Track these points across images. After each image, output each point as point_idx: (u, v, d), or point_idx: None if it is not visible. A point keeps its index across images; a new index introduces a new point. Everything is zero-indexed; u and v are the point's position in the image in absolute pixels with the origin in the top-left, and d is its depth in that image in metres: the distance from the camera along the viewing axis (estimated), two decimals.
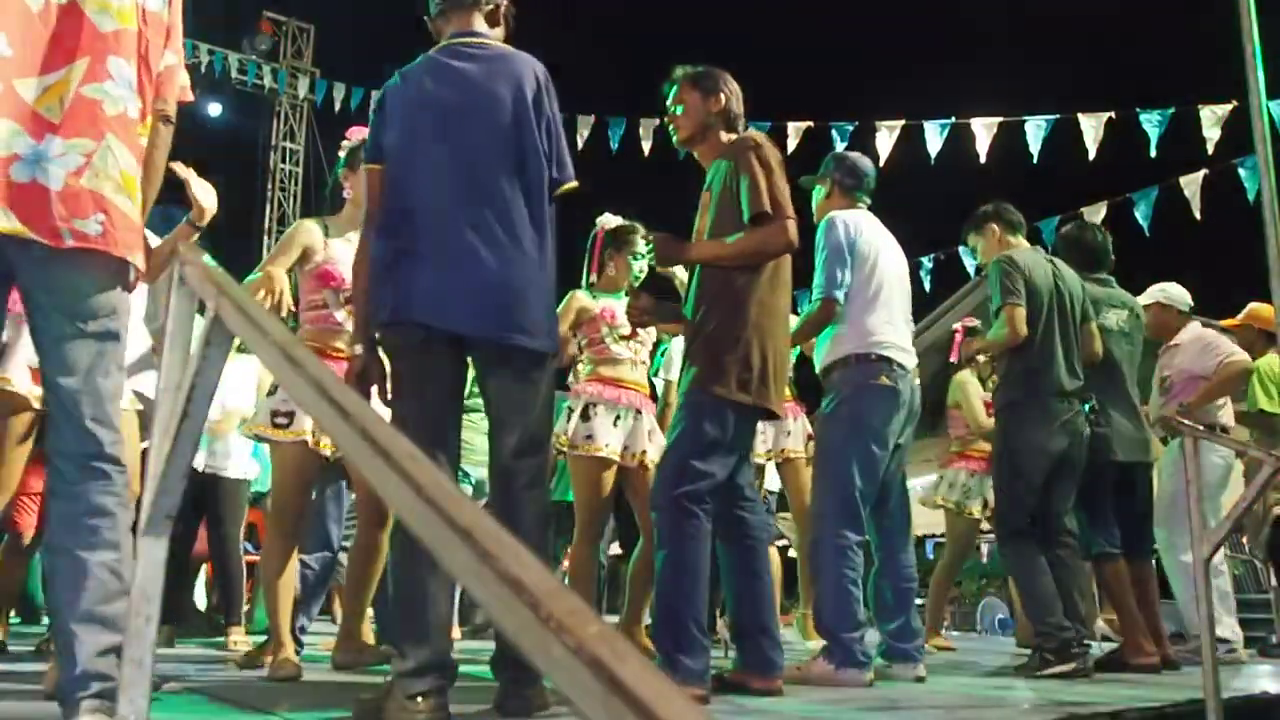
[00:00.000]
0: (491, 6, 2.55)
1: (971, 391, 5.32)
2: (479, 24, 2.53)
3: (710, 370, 2.69)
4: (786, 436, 4.54)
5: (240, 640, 4.34)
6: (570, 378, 4.09)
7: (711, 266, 2.79)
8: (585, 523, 3.71)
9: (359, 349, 2.39)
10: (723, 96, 2.95)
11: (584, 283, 3.96)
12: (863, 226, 3.44)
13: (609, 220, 3.98)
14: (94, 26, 1.82)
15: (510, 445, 2.32)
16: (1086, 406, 3.92)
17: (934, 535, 11.48)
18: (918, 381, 3.52)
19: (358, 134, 3.37)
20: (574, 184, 2.48)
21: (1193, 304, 4.82)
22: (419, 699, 2.06)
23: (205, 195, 2.45)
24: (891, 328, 3.38)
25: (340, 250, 3.18)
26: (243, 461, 4.60)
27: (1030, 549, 3.77)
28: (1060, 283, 3.91)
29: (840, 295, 3.32)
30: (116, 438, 1.81)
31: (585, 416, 3.66)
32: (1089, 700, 2.79)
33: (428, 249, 2.30)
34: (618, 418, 3.69)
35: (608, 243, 3.93)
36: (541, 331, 2.35)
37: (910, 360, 3.43)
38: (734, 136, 2.95)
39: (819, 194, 3.69)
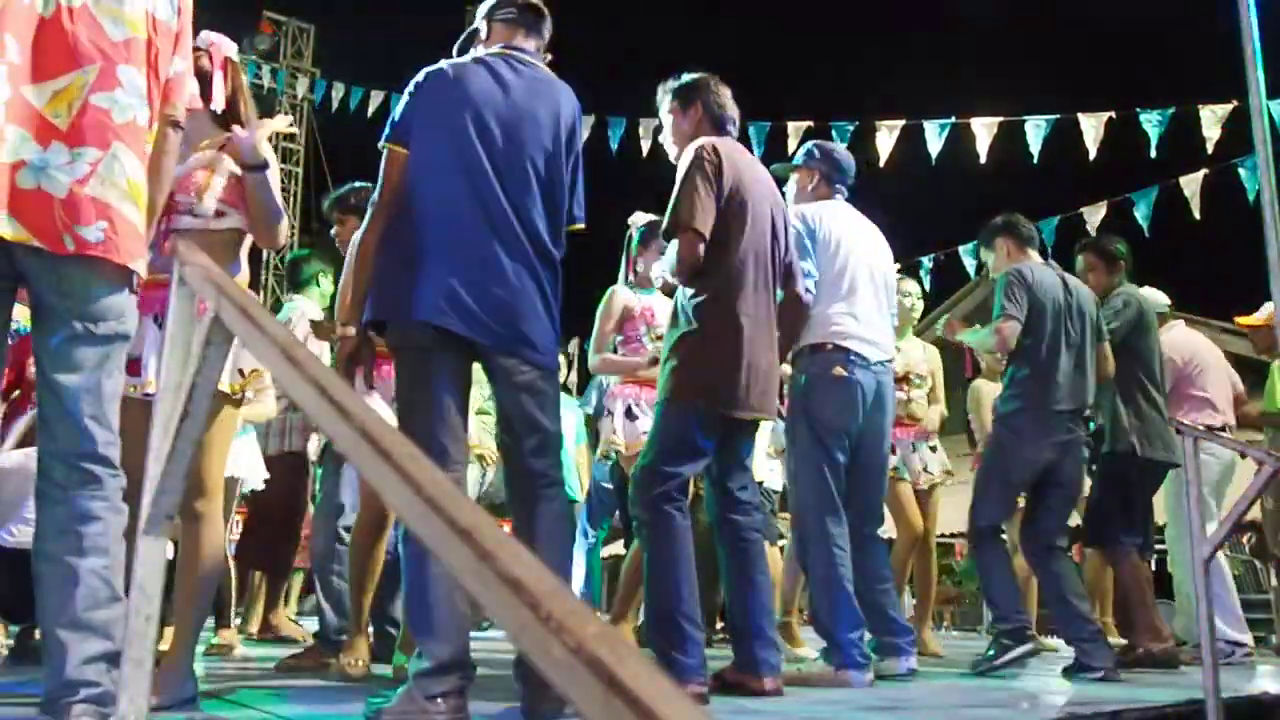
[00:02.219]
0: (548, 37, 2.60)
1: (985, 400, 5.26)
2: (530, 44, 2.58)
3: (684, 380, 2.73)
4: None
5: (223, 643, 4.26)
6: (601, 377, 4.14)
7: (695, 277, 2.80)
8: None
9: (350, 330, 2.38)
10: (700, 105, 2.97)
11: (623, 281, 3.99)
12: (823, 217, 3.41)
13: (639, 218, 4.00)
14: (105, 34, 1.81)
15: (529, 447, 2.35)
16: (1093, 426, 3.90)
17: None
18: (889, 375, 3.47)
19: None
20: (581, 225, 2.57)
21: (1170, 303, 4.83)
22: (439, 700, 2.06)
23: (261, 135, 2.50)
24: (853, 319, 3.34)
25: None
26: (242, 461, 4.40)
27: (999, 549, 3.80)
28: (1070, 299, 3.86)
29: (810, 284, 3.27)
30: (111, 439, 1.80)
31: (631, 416, 3.71)
32: (1089, 700, 2.79)
33: (454, 252, 2.29)
34: (628, 410, 3.74)
35: (639, 240, 3.97)
36: (551, 351, 2.41)
37: (877, 352, 3.38)
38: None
39: (796, 184, 3.65)
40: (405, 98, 2.43)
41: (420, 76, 2.45)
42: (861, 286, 3.40)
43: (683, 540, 2.67)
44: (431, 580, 2.12)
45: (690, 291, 2.82)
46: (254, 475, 4.62)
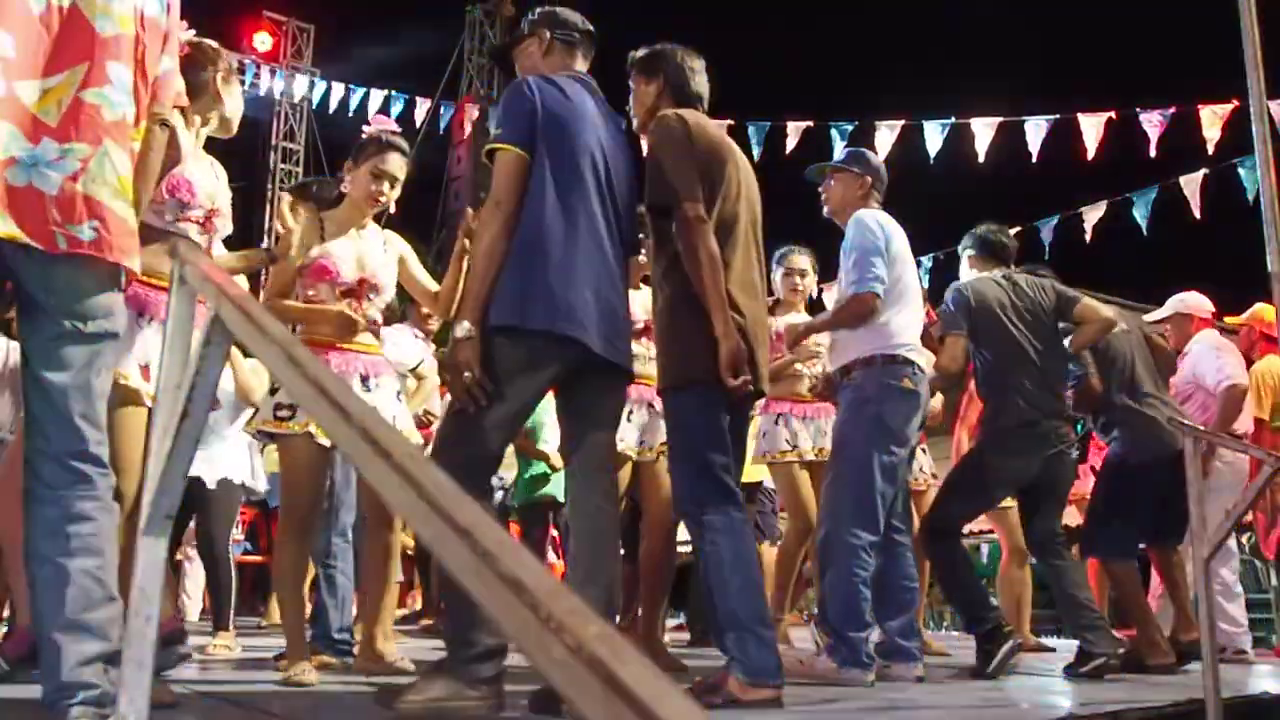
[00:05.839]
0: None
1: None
2: (583, 67, 2.63)
3: (692, 359, 2.55)
4: (823, 437, 4.43)
5: (221, 645, 4.26)
6: None
7: (663, 243, 2.65)
8: None
9: (469, 330, 2.30)
10: (663, 76, 2.82)
11: None
12: (894, 229, 3.44)
13: None
14: (95, 31, 1.80)
15: (605, 443, 2.50)
16: (1080, 427, 3.89)
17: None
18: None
19: (380, 123, 3.27)
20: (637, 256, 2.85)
21: (1211, 313, 4.81)
22: (481, 686, 2.09)
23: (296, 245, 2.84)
24: (911, 331, 3.38)
25: (338, 245, 3.05)
26: (235, 461, 4.39)
27: (958, 549, 3.80)
28: (1022, 297, 3.85)
29: (880, 289, 3.27)
30: (102, 438, 1.79)
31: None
32: (1089, 700, 2.79)
33: (584, 265, 2.35)
34: (630, 413, 3.58)
35: None
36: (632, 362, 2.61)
37: (924, 361, 3.43)
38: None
39: (843, 187, 3.60)
40: (519, 99, 2.41)
41: (531, 82, 2.45)
42: (914, 299, 3.45)
43: (746, 536, 2.58)
44: None
45: (666, 263, 2.65)
46: (257, 480, 4.61)
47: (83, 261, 1.75)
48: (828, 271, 4.47)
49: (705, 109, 2.87)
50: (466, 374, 2.28)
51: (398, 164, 3.12)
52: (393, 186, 3.12)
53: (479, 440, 2.31)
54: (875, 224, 3.38)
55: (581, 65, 2.65)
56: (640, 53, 2.91)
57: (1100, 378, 4.08)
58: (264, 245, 2.85)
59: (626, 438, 3.54)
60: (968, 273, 4.08)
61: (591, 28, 2.68)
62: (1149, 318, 4.83)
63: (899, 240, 3.44)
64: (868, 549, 3.19)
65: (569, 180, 2.38)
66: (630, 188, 2.61)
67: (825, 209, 3.65)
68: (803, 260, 4.49)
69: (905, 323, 3.36)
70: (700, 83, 2.86)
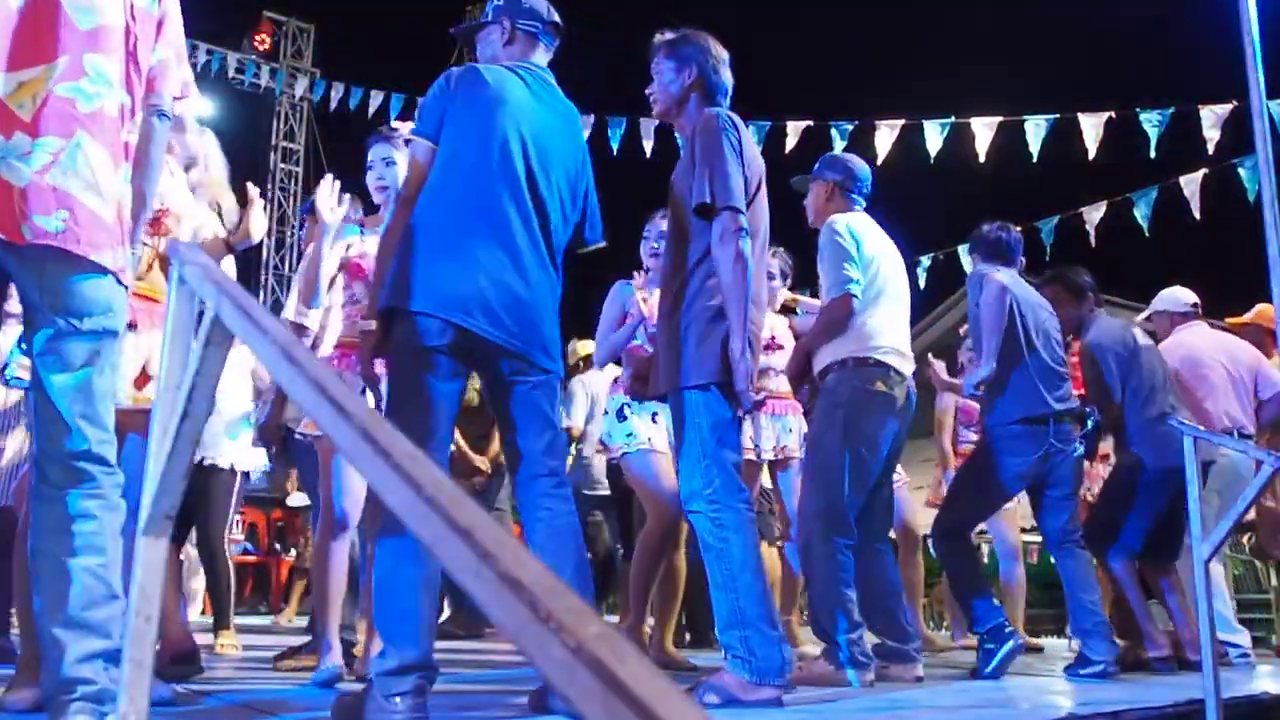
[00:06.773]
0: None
1: (946, 421, 5.59)
2: (545, 61, 2.61)
3: (711, 360, 2.54)
4: (789, 435, 4.45)
5: (227, 644, 4.24)
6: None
7: (686, 241, 2.65)
8: (657, 518, 3.68)
9: (371, 324, 2.35)
10: (696, 67, 2.76)
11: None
12: (864, 229, 3.42)
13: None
14: (73, 24, 1.78)
15: (542, 447, 2.39)
16: (1091, 423, 3.92)
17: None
18: (914, 386, 3.50)
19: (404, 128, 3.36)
20: (603, 244, 2.68)
21: (1191, 304, 4.80)
22: (398, 698, 2.05)
23: (258, 226, 2.79)
24: (891, 332, 3.35)
25: (374, 246, 3.04)
26: (238, 450, 4.30)
27: (967, 549, 3.84)
28: (1037, 295, 3.89)
29: (857, 290, 3.27)
30: (105, 437, 1.78)
31: (622, 417, 3.74)
32: (1089, 700, 2.79)
33: (482, 249, 2.31)
34: (654, 414, 3.73)
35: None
36: (558, 356, 2.47)
37: (908, 366, 3.40)
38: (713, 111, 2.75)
39: (814, 196, 3.64)
40: (435, 92, 2.43)
41: (453, 72, 2.45)
42: (894, 300, 3.43)
43: (753, 533, 2.55)
44: (402, 582, 2.12)
45: (686, 256, 2.63)
46: (255, 464, 4.54)
47: (74, 257, 1.74)
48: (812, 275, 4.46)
49: (728, 104, 2.84)
50: (360, 364, 2.41)
51: (375, 151, 3.23)
52: (387, 165, 3.20)
53: (400, 426, 2.30)
54: (842, 228, 3.37)
55: (542, 58, 2.59)
56: (668, 36, 2.84)
57: (1123, 388, 4.12)
58: (223, 234, 2.86)
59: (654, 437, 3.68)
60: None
61: (558, 19, 2.63)
62: (1139, 318, 4.84)
63: (871, 240, 3.41)
64: (844, 551, 3.19)
65: (472, 169, 2.35)
66: (574, 176, 2.55)
67: (810, 220, 3.67)
68: (772, 263, 4.46)
69: (882, 324, 3.33)
70: (728, 75, 2.83)
